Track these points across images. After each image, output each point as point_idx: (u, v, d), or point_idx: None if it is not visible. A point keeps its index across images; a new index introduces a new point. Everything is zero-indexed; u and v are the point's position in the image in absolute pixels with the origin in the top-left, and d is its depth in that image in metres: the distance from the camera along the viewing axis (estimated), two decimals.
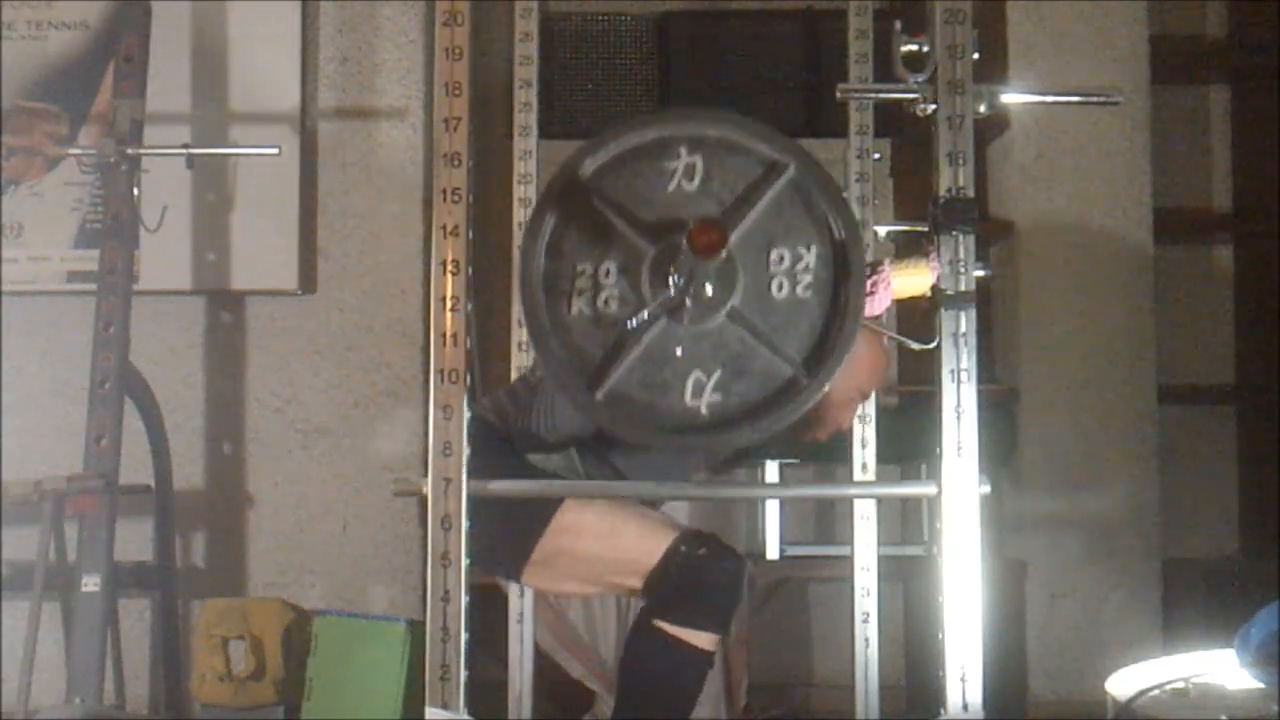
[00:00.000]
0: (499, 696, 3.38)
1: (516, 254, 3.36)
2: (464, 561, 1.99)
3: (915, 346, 2.06)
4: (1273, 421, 4.76)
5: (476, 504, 2.06)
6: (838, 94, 2.74)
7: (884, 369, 2.95)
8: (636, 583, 2.70)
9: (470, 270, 2.02)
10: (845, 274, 2.01)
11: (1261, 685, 2.52)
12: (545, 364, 2.03)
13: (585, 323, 2.02)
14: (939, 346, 1.97)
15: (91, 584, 3.48)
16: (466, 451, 2.02)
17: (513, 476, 2.50)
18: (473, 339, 2.05)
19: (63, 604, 3.67)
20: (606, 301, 2.02)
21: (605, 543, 2.69)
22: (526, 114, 3.41)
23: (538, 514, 2.67)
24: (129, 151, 3.71)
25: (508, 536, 2.66)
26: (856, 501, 3.19)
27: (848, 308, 2.00)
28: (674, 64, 4.73)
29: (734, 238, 1.98)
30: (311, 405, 4.47)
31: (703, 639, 2.67)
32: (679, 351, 1.99)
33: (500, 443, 2.75)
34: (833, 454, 3.39)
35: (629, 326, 1.99)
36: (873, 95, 3.22)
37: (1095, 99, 2.61)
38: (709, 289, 1.97)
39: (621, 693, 2.75)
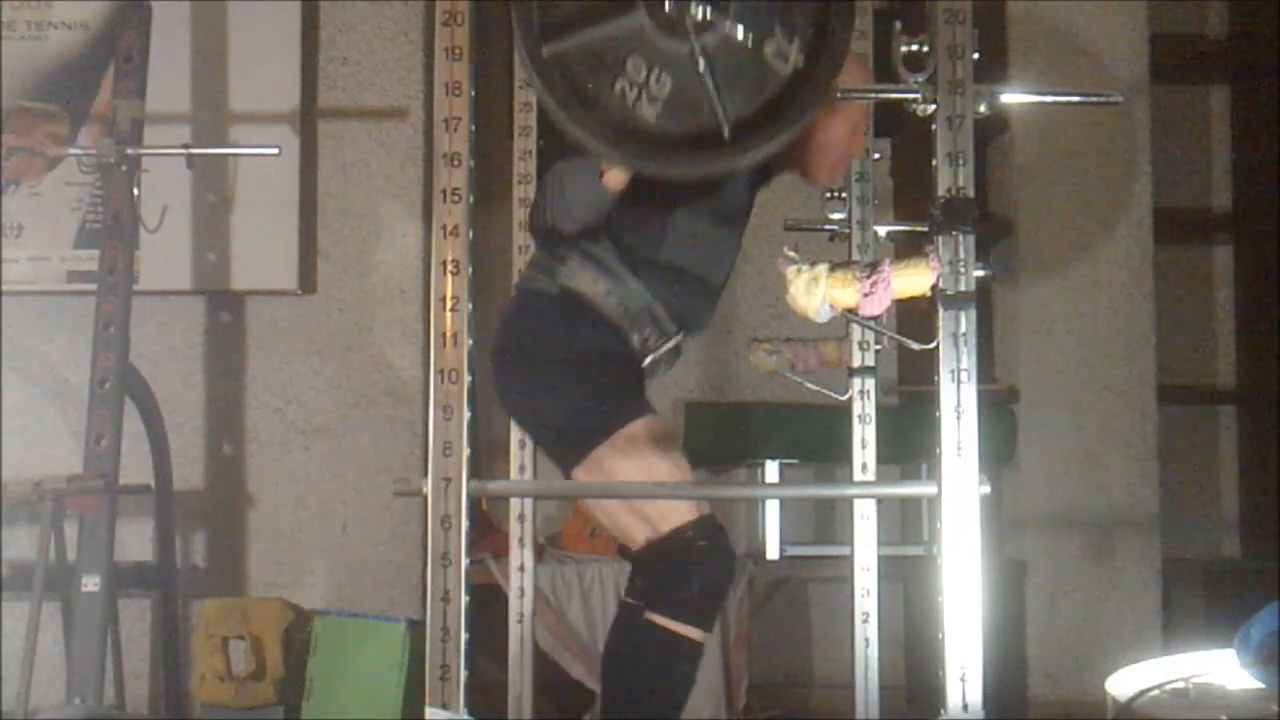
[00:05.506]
0: (499, 696, 3.38)
1: (516, 254, 3.39)
2: (464, 561, 1.99)
3: (915, 347, 2.05)
4: (1273, 421, 4.76)
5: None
6: (838, 94, 2.72)
7: (861, 131, 2.94)
8: (640, 538, 2.66)
9: (470, 270, 2.02)
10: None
11: (1261, 685, 2.52)
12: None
13: None
14: (939, 346, 1.97)
15: (91, 584, 3.48)
16: (467, 451, 2.01)
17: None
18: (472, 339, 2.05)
19: (63, 604, 3.67)
20: None
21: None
22: (526, 114, 3.40)
23: (604, 423, 2.63)
24: (129, 151, 3.71)
25: (572, 434, 2.65)
26: (856, 501, 3.19)
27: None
28: None
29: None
30: (311, 405, 4.47)
31: (691, 631, 2.63)
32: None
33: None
34: (833, 454, 3.38)
35: None
36: (873, 95, 3.22)
37: (1095, 99, 2.60)
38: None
39: (610, 685, 2.70)
